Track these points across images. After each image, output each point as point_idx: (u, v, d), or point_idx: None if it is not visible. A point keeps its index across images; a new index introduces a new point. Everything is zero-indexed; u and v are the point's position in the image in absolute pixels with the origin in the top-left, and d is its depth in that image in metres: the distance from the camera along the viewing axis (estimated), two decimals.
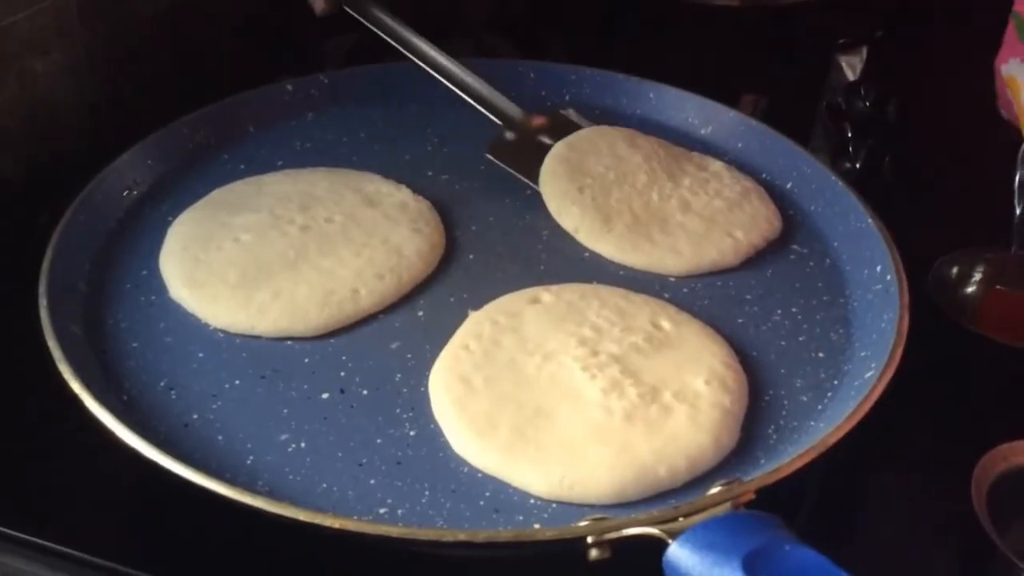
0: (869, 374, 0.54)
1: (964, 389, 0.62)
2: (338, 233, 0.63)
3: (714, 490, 0.46)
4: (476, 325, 0.57)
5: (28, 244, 0.61)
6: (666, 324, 0.57)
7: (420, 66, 0.80)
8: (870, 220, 0.65)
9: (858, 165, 0.85)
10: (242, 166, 0.73)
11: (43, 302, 0.56)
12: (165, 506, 0.51)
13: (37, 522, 0.50)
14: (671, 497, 0.50)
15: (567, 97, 0.83)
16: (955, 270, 0.69)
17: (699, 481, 0.50)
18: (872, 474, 0.57)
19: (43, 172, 0.72)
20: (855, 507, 0.55)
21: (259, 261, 0.61)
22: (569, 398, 0.52)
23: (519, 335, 0.56)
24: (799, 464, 0.48)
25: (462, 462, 0.51)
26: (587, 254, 0.65)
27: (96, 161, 0.68)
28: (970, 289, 0.69)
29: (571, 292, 0.60)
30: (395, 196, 0.67)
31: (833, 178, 0.70)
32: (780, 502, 0.46)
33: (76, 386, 0.50)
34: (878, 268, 0.62)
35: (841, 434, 0.50)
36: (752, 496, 0.45)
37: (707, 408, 0.52)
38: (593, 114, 0.80)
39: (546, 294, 0.59)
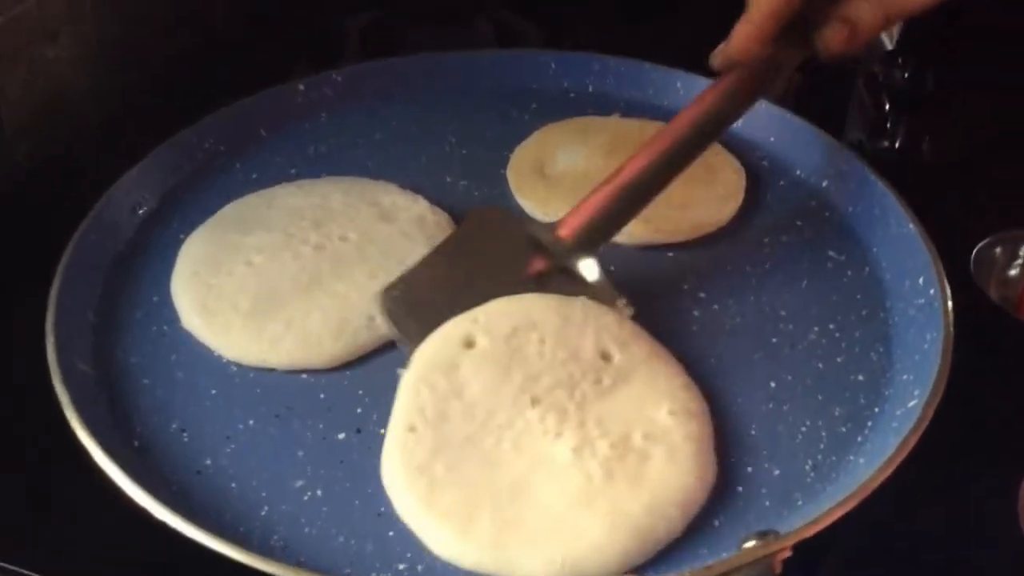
0: (912, 403, 0.51)
1: (1008, 378, 0.59)
2: (353, 253, 0.61)
3: (749, 544, 0.44)
4: (414, 396, 0.51)
5: (39, 238, 0.60)
6: (615, 351, 0.53)
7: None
8: (911, 225, 0.62)
9: (896, 144, 0.82)
10: (254, 175, 0.70)
11: (50, 339, 0.54)
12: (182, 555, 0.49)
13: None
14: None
15: (590, 88, 0.79)
16: (998, 251, 0.66)
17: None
18: (916, 470, 0.52)
19: (55, 162, 0.70)
20: (898, 505, 0.51)
21: (271, 286, 0.59)
22: (541, 466, 0.48)
23: (464, 402, 0.51)
24: (838, 515, 0.45)
25: None
26: (612, 267, 0.62)
27: (108, 151, 0.66)
28: (1013, 272, 0.66)
29: (502, 323, 0.54)
30: (412, 209, 0.64)
31: (872, 177, 0.66)
32: None
33: (85, 438, 0.49)
34: (920, 280, 0.59)
35: (882, 478, 0.47)
36: (789, 553, 0.43)
37: (680, 442, 0.49)
38: (617, 105, 0.77)
39: (479, 333, 0.53)
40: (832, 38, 0.54)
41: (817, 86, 0.80)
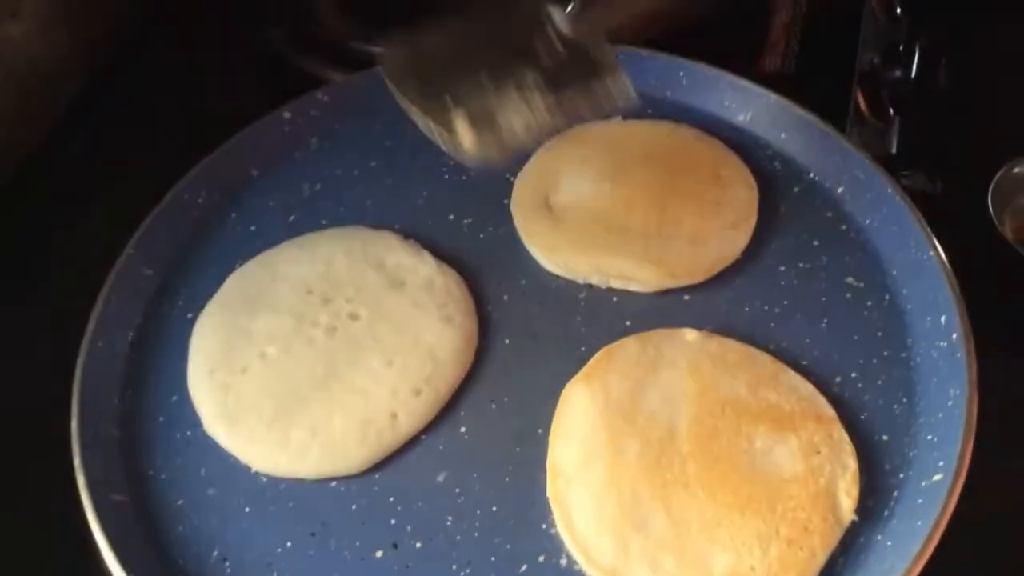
0: (937, 477, 0.52)
1: None
2: (365, 334, 0.60)
3: None
4: None
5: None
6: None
7: None
8: (932, 253, 0.60)
9: (912, 73, 0.78)
10: (252, 227, 0.69)
11: (81, 479, 0.55)
12: None
13: None
14: None
15: None
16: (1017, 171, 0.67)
17: None
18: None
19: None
20: None
21: (289, 384, 0.58)
22: None
23: None
24: None
25: None
26: (628, 323, 0.61)
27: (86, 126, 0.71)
28: None
29: None
30: (419, 272, 0.63)
31: (890, 190, 0.63)
32: None
33: None
34: (943, 319, 0.58)
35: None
36: None
37: None
38: None
39: None
40: None
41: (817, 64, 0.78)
